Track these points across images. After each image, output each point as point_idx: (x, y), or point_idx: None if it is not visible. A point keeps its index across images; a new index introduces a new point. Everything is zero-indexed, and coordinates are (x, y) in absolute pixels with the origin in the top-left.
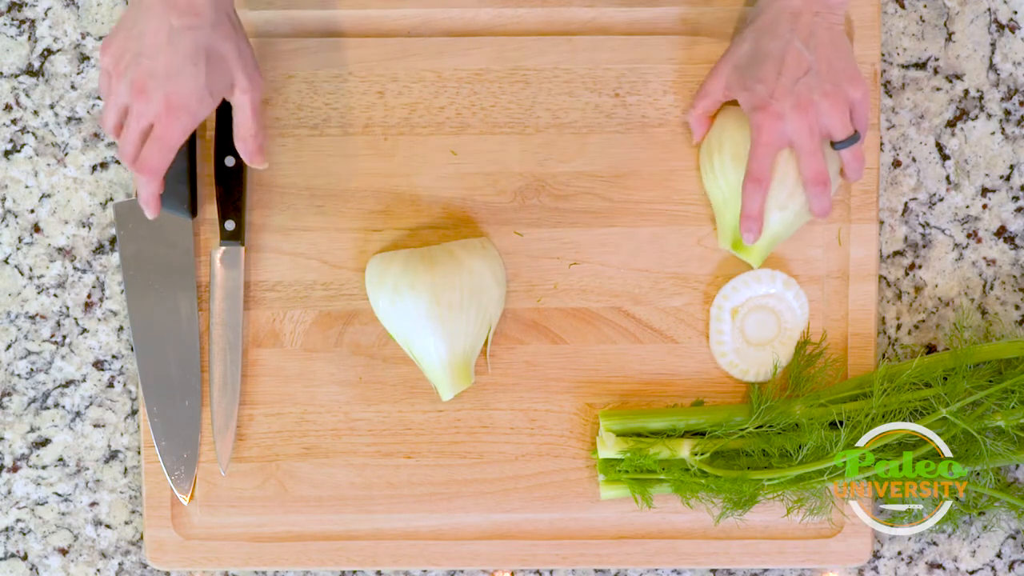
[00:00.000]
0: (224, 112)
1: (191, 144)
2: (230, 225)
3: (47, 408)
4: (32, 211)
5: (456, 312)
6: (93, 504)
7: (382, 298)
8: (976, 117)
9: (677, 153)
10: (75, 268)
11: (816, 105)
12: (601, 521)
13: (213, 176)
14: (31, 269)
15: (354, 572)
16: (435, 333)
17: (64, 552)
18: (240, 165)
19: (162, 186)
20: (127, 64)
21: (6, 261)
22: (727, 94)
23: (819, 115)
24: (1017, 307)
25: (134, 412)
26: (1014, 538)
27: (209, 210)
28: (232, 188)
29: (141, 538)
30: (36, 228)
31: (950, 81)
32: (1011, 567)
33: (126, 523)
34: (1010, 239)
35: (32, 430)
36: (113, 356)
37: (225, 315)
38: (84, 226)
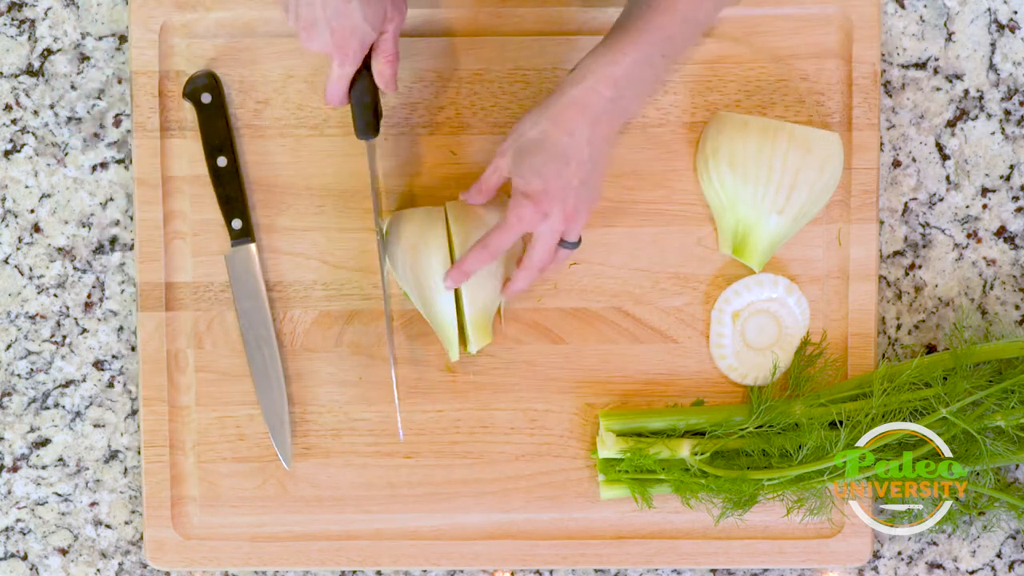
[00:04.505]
0: (205, 115)
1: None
2: (237, 224)
3: (47, 408)
4: (32, 211)
5: None
6: (93, 504)
7: (399, 255)
8: (976, 117)
9: (677, 153)
10: (75, 268)
11: (577, 216)
12: (601, 521)
13: (209, 179)
14: (31, 269)
15: (354, 572)
16: (452, 291)
17: (64, 552)
18: (234, 163)
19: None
20: (294, 10)
21: (6, 261)
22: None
23: (573, 223)
24: (1017, 307)
25: (134, 412)
26: (1014, 538)
27: (211, 211)
28: (230, 187)
29: (141, 538)
30: (36, 228)
31: (950, 81)
32: (1011, 567)
33: (126, 523)
34: (1010, 239)
35: (32, 430)
36: (113, 356)
37: (252, 315)
38: (84, 226)
